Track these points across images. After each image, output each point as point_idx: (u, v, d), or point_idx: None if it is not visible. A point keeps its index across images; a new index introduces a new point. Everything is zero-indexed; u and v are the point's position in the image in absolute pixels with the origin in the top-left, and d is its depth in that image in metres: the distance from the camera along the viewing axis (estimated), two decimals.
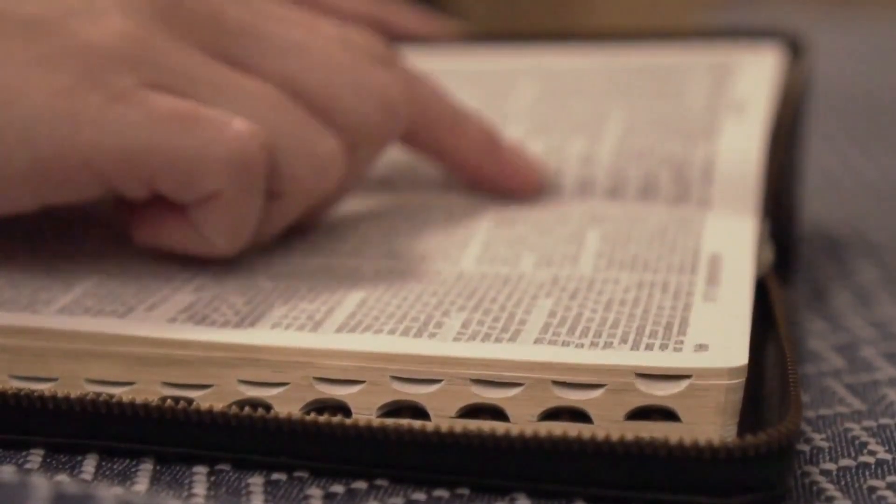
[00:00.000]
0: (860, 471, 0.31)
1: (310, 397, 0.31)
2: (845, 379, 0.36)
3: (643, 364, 0.30)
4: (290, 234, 0.37)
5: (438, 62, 0.47)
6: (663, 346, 0.30)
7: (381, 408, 0.30)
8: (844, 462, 0.31)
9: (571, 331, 0.31)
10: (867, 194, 0.54)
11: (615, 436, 0.28)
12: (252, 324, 0.32)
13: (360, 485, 0.30)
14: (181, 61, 0.34)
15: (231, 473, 0.30)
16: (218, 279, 0.35)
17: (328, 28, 0.38)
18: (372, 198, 0.40)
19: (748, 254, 0.36)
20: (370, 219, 0.39)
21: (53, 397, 0.31)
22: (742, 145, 0.41)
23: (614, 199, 0.40)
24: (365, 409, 0.30)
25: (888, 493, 0.30)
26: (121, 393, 0.31)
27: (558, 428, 0.29)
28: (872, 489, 0.30)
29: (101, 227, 0.38)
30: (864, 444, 0.32)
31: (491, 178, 0.40)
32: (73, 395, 0.31)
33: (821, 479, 0.30)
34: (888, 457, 0.31)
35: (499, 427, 0.29)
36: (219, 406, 0.30)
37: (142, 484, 0.30)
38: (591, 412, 0.30)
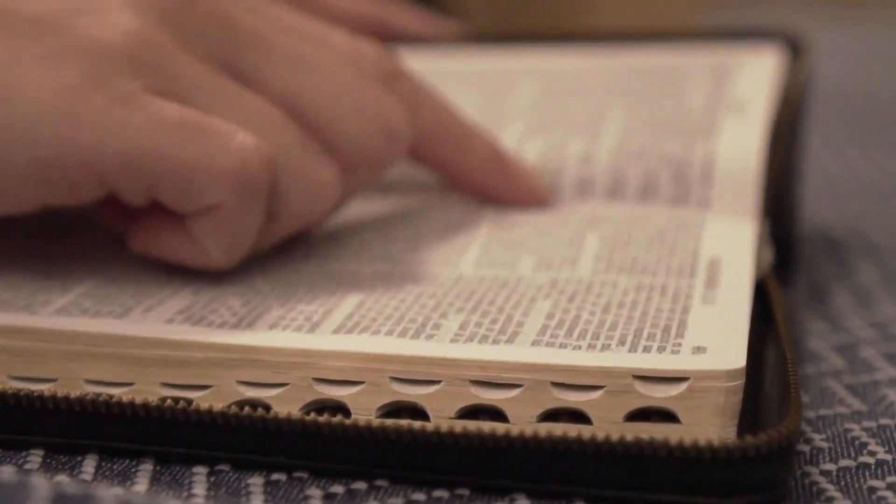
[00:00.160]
0: (860, 471, 0.31)
1: (309, 398, 0.31)
2: (845, 379, 0.36)
3: (641, 366, 0.30)
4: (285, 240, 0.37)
5: (438, 62, 0.47)
6: (661, 349, 0.30)
7: (380, 408, 0.30)
8: (844, 462, 0.31)
9: (569, 333, 0.31)
10: (867, 194, 0.54)
11: (615, 436, 0.28)
12: (250, 325, 0.32)
13: (360, 485, 0.30)
14: (186, 69, 0.34)
15: (231, 474, 0.30)
16: (215, 282, 0.35)
17: (339, 39, 0.37)
18: (371, 202, 0.40)
19: (747, 256, 0.36)
20: (369, 223, 0.39)
21: (53, 397, 0.31)
22: (742, 145, 0.41)
23: (614, 199, 0.40)
24: (364, 410, 0.30)
25: (888, 494, 0.30)
26: (120, 393, 0.31)
27: (558, 429, 0.29)
28: (872, 489, 0.30)
29: (100, 230, 0.38)
30: (864, 445, 0.32)
31: (497, 193, 0.40)
32: (72, 396, 0.31)
33: (821, 479, 0.30)
34: (888, 457, 0.31)
35: (498, 428, 0.29)
36: (218, 406, 0.30)
37: (142, 484, 0.30)
38: (591, 413, 0.30)
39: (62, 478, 0.30)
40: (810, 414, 0.34)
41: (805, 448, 0.32)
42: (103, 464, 0.31)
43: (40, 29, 0.33)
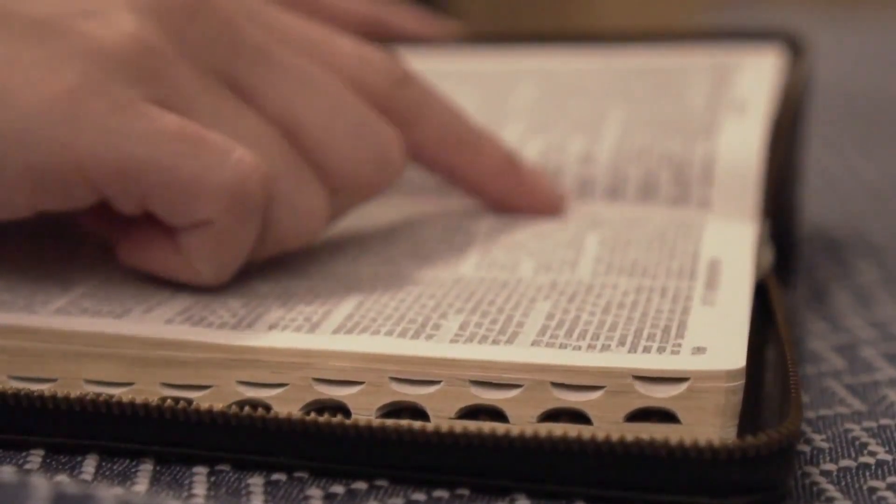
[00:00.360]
0: (860, 471, 0.31)
1: (309, 398, 0.31)
2: (845, 379, 0.36)
3: (641, 367, 0.30)
4: None
5: (438, 62, 0.47)
6: (661, 349, 0.30)
7: (380, 408, 0.30)
8: (845, 463, 0.31)
9: (569, 333, 0.31)
10: (867, 194, 0.54)
11: (615, 437, 0.28)
12: (249, 325, 0.32)
13: (360, 485, 0.30)
14: (186, 80, 0.33)
15: (231, 474, 0.30)
16: None
17: (345, 47, 0.37)
18: (371, 204, 0.40)
19: (747, 257, 0.36)
20: (369, 226, 0.39)
21: (53, 398, 0.31)
22: (742, 146, 0.41)
23: (614, 199, 0.40)
24: (364, 410, 0.30)
25: (888, 494, 0.30)
26: (120, 393, 0.31)
27: (558, 429, 0.29)
28: (873, 490, 0.30)
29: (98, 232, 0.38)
30: (865, 445, 0.32)
31: (511, 200, 0.40)
32: (72, 396, 0.31)
33: (821, 479, 0.30)
34: (888, 457, 0.31)
35: (498, 428, 0.29)
36: (218, 406, 0.30)
37: (142, 484, 0.30)
38: (591, 413, 0.29)
39: (62, 478, 0.30)
40: (810, 414, 0.34)
41: (805, 448, 0.32)
42: (103, 464, 0.31)
43: (41, 31, 0.33)
